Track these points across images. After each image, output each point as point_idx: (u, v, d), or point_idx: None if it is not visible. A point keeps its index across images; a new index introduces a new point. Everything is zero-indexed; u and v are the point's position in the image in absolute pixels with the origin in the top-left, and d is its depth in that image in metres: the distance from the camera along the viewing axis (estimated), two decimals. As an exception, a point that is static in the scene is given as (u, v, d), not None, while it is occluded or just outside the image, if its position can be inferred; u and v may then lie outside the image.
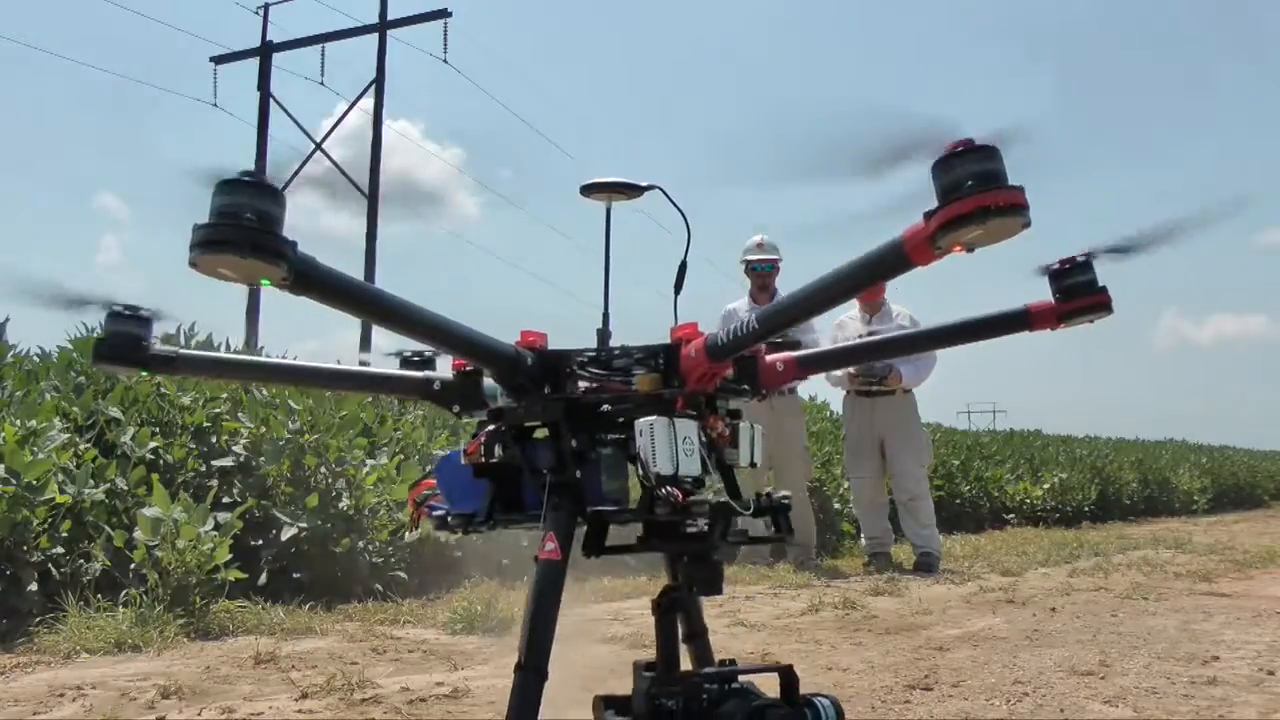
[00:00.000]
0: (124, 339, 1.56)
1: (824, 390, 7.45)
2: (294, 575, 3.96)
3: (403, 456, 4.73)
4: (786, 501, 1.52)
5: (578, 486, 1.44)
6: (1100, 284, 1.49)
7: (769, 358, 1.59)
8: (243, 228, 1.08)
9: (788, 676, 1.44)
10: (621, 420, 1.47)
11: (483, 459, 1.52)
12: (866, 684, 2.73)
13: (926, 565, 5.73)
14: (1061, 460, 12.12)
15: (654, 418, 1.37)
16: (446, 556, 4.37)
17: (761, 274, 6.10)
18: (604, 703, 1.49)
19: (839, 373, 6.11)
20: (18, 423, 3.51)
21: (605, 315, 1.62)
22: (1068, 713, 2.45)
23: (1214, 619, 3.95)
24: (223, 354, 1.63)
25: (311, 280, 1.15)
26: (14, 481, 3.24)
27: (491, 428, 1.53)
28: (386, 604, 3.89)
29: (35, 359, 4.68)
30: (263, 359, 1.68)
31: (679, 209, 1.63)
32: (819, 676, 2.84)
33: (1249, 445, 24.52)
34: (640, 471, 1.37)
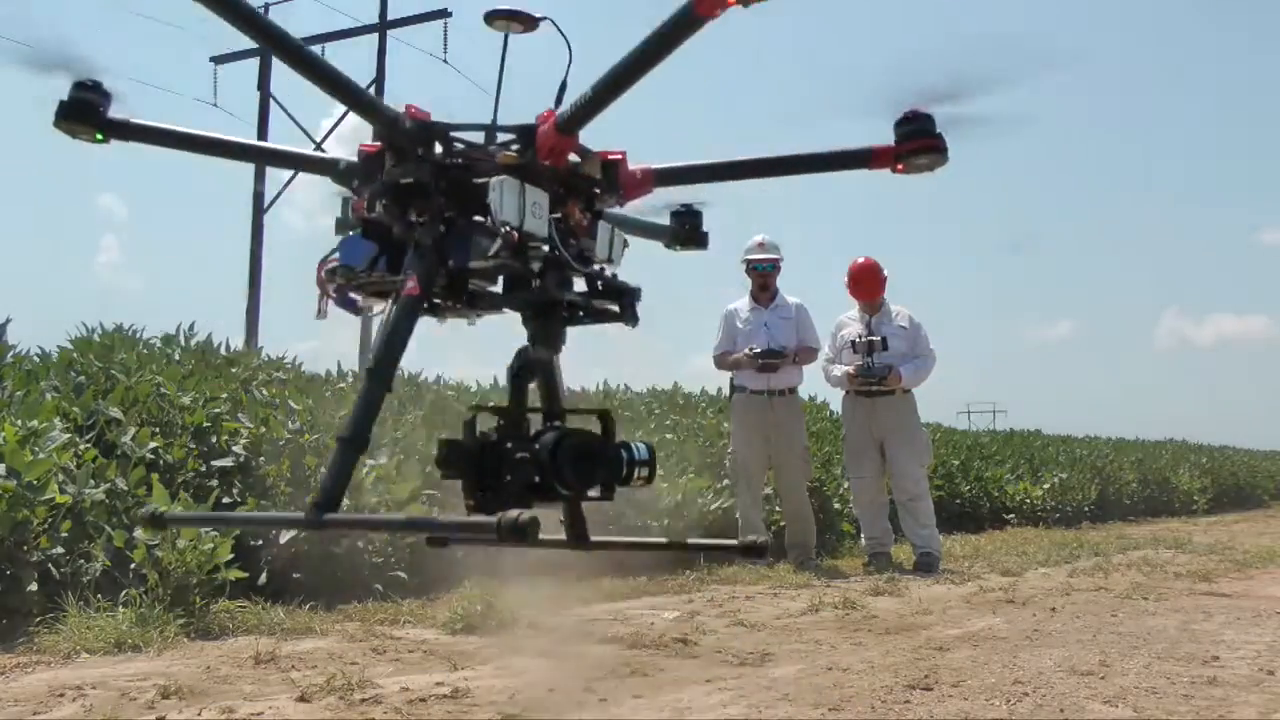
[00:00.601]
0: (85, 104, 1.70)
1: (824, 390, 7.45)
2: (294, 575, 3.96)
3: (402, 456, 4.73)
4: (634, 287, 1.74)
5: (442, 241, 1.60)
6: (937, 132, 1.64)
7: (631, 166, 1.76)
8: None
9: (605, 419, 1.66)
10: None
11: (367, 213, 1.71)
12: (866, 684, 2.73)
13: (926, 565, 5.74)
14: (1061, 460, 12.11)
15: (505, 176, 1.55)
16: (447, 556, 4.37)
17: (762, 273, 6.10)
18: (441, 444, 1.62)
19: (838, 373, 6.12)
20: (18, 423, 3.51)
21: (494, 120, 1.74)
22: (1068, 713, 2.45)
23: (1214, 619, 3.95)
24: (168, 125, 1.79)
25: None
26: (14, 480, 3.24)
27: (375, 186, 1.70)
28: (386, 604, 3.89)
29: (35, 359, 4.68)
30: (201, 132, 1.86)
31: (565, 38, 1.77)
32: (819, 677, 2.85)
33: (1249, 445, 24.44)
34: (489, 221, 1.55)
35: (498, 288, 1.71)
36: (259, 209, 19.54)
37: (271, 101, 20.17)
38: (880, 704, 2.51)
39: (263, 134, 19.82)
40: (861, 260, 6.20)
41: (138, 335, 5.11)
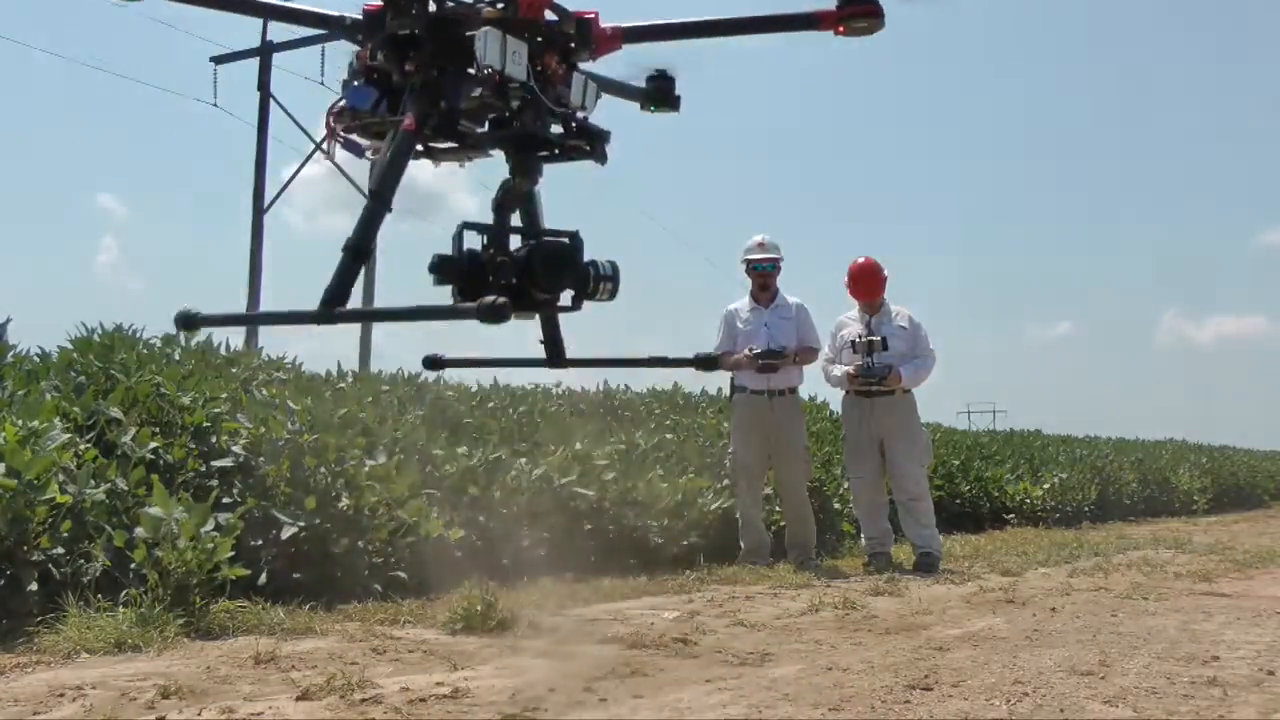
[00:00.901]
0: None
1: (824, 390, 7.44)
2: (294, 575, 3.95)
3: (402, 455, 4.73)
4: (605, 130, 1.95)
5: (436, 84, 1.84)
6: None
7: (601, 24, 1.96)
8: None
9: (575, 239, 1.91)
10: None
11: (370, 62, 1.92)
12: (866, 684, 2.73)
13: (926, 565, 5.74)
14: (1061, 460, 12.11)
15: (489, 27, 1.74)
16: (447, 556, 4.37)
17: (763, 273, 6.10)
18: (435, 257, 1.84)
19: (838, 373, 6.12)
20: (18, 423, 3.51)
21: None
22: (1068, 713, 2.45)
23: (1214, 619, 3.95)
24: None
25: None
26: (15, 480, 3.24)
27: (377, 38, 1.90)
28: (386, 604, 3.89)
29: (35, 359, 4.68)
30: None
31: None
32: (819, 677, 2.85)
33: (1249, 445, 24.40)
34: (475, 68, 1.75)
35: (485, 129, 1.94)
36: (259, 209, 19.52)
37: (271, 101, 20.16)
38: (880, 704, 2.52)
39: (262, 134, 19.80)
40: (861, 260, 6.20)
41: (138, 335, 5.11)
